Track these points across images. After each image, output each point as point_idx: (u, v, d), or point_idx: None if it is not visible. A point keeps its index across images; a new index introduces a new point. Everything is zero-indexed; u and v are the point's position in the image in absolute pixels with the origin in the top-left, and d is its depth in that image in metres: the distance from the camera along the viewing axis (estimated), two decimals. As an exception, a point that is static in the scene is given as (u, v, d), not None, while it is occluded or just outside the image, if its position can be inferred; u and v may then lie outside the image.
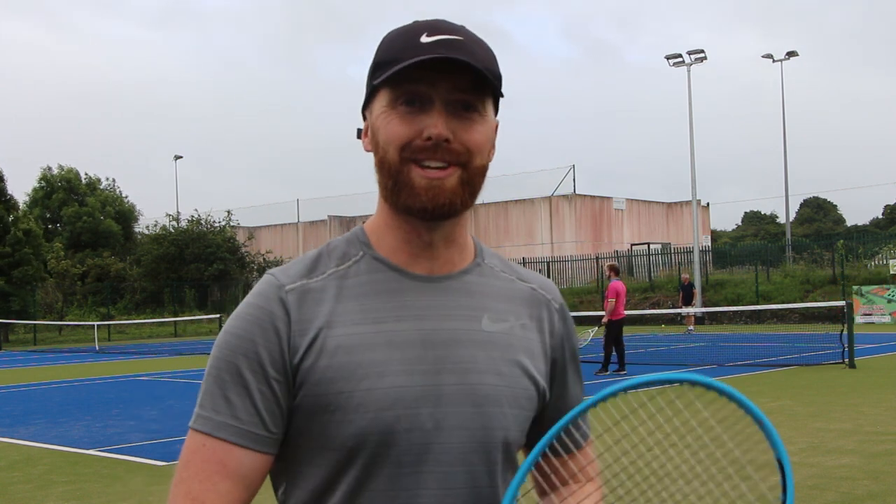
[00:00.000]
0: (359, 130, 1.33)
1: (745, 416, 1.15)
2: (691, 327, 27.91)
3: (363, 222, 1.35)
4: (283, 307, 1.21)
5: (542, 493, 1.38)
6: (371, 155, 1.28)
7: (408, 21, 1.27)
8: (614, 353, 15.23)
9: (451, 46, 1.19)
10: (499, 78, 1.24)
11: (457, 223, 1.28)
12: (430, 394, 1.20)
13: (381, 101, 1.24)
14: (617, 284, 15.53)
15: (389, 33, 1.27)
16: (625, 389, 1.15)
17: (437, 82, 1.19)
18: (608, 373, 14.70)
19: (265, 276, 1.27)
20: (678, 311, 25.64)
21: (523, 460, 1.22)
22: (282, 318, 1.21)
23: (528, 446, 1.33)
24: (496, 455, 1.25)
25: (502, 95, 1.27)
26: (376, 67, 1.24)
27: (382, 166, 1.23)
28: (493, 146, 1.29)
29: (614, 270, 15.95)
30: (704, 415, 1.37)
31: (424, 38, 1.20)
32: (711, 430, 1.31)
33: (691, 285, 28.53)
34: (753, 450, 1.22)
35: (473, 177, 1.23)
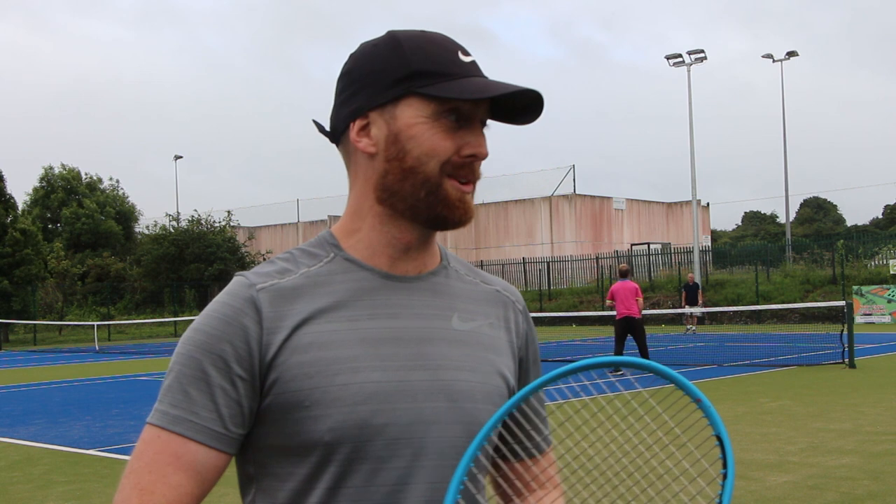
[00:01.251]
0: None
1: (684, 395, 1.19)
2: (693, 327, 27.93)
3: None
4: (253, 306, 1.21)
5: (505, 500, 1.39)
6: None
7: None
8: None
9: (479, 70, 1.27)
10: None
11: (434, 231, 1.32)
12: (406, 389, 1.21)
13: (418, 108, 1.23)
14: (614, 286, 15.59)
15: (411, 39, 1.26)
16: (562, 374, 1.17)
17: (480, 104, 1.25)
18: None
19: (235, 277, 1.27)
20: (681, 311, 25.55)
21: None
22: (252, 316, 1.20)
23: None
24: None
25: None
26: (419, 75, 1.23)
27: (414, 176, 1.24)
28: None
29: (620, 272, 16.06)
30: (644, 395, 1.41)
31: (463, 57, 1.26)
32: (652, 411, 1.36)
33: (696, 286, 28.46)
34: (694, 427, 1.26)
35: (474, 193, 1.30)
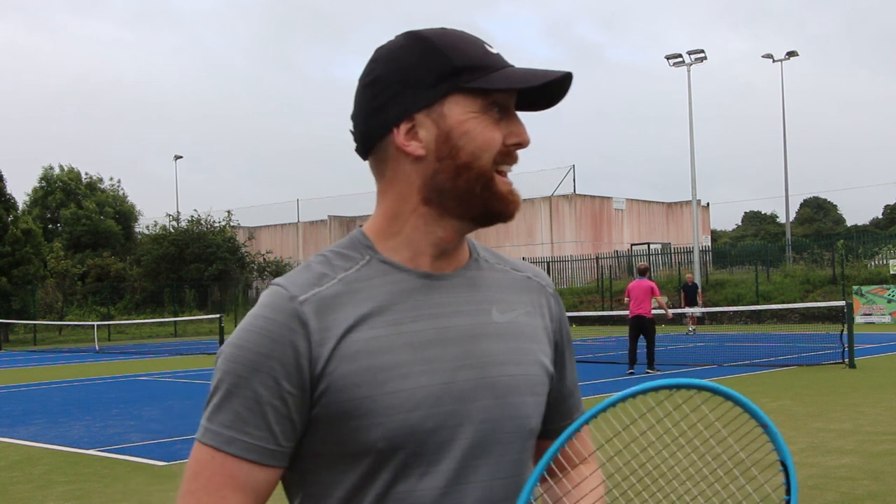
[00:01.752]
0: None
1: (750, 419, 1.18)
2: (693, 327, 27.88)
3: (360, 224, 1.34)
4: (298, 320, 1.19)
5: (544, 477, 1.39)
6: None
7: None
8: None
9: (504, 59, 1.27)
10: None
11: None
12: (454, 390, 1.21)
13: (465, 105, 1.23)
14: (631, 284, 15.53)
15: (444, 38, 1.25)
16: (636, 394, 1.16)
17: (513, 92, 1.26)
18: (635, 373, 14.88)
19: (273, 289, 1.23)
20: (682, 311, 25.41)
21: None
22: (299, 331, 1.18)
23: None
24: (524, 444, 1.28)
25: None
26: (461, 70, 1.23)
27: (468, 172, 1.23)
28: None
29: (639, 271, 15.83)
30: (710, 419, 1.39)
31: (492, 50, 1.27)
32: (717, 434, 1.33)
33: (696, 286, 28.37)
34: (758, 452, 1.25)
35: None
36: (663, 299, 15.55)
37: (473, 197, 1.24)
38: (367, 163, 1.31)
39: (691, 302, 27.20)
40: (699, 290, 28.41)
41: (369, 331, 1.20)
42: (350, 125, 1.31)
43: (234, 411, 1.18)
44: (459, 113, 1.23)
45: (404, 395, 1.18)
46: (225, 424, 1.18)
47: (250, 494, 1.18)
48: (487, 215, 1.26)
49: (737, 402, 1.15)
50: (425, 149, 1.23)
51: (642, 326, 15.05)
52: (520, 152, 1.26)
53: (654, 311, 15.31)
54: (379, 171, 1.29)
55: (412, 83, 1.23)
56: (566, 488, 1.36)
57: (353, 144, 1.31)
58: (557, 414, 1.41)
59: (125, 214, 54.66)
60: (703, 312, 28.76)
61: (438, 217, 1.26)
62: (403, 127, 1.23)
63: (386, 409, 1.18)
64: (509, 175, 1.26)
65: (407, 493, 1.19)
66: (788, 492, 1.15)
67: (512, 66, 1.25)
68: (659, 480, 1.36)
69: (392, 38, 1.30)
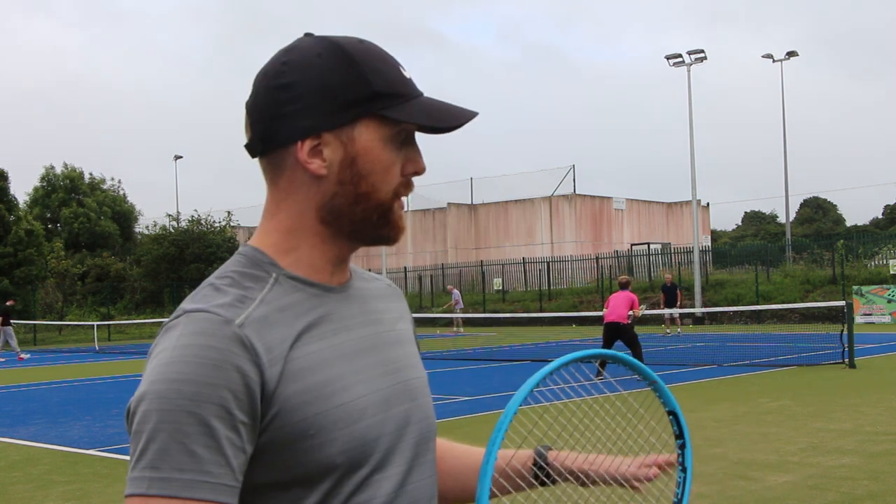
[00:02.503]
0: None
1: (641, 379, 1.35)
2: (677, 330, 27.12)
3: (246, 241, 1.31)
4: (240, 343, 1.11)
5: None
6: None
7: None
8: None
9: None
10: None
11: None
12: (382, 398, 1.23)
13: (375, 131, 1.20)
14: (611, 296, 15.42)
15: (362, 55, 1.21)
16: (545, 376, 1.28)
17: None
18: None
19: (197, 315, 1.13)
20: (661, 311, 24.94)
21: None
22: (241, 355, 1.10)
23: None
24: (434, 443, 1.33)
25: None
26: (378, 96, 1.19)
27: (367, 201, 1.22)
28: None
29: (620, 284, 15.65)
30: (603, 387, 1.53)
31: (404, 73, 1.24)
32: (613, 395, 1.52)
33: (675, 287, 27.91)
34: (652, 406, 1.45)
35: None
36: (640, 312, 15.36)
37: (369, 224, 1.23)
38: (255, 159, 1.26)
39: (671, 303, 26.54)
40: (678, 290, 27.77)
41: (305, 347, 1.17)
42: (244, 112, 1.25)
43: (187, 452, 1.06)
44: (368, 139, 1.20)
45: (349, 406, 1.18)
46: (180, 468, 1.05)
47: None
48: (378, 240, 1.27)
49: (624, 362, 1.32)
50: (327, 169, 1.20)
51: (619, 333, 14.70)
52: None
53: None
54: (272, 176, 1.24)
55: (328, 99, 1.19)
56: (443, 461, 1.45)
57: None
58: None
59: (124, 215, 54.65)
60: (703, 312, 28.67)
61: (334, 237, 1.25)
62: (309, 143, 1.19)
63: (337, 424, 1.16)
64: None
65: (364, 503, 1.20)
66: (681, 436, 1.36)
67: (426, 97, 1.24)
68: (569, 440, 1.54)
69: (301, 38, 1.25)
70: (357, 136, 1.20)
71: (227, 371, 1.09)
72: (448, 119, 1.22)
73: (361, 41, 1.24)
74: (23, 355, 26.19)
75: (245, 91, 1.25)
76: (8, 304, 27.75)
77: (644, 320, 31.18)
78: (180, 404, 1.07)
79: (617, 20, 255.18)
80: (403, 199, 1.27)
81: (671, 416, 1.37)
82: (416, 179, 1.26)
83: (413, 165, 1.24)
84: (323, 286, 1.25)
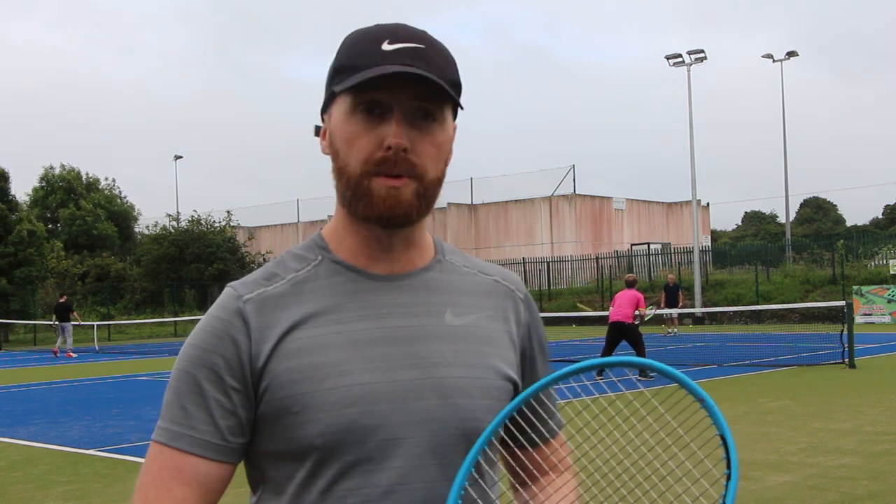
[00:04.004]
0: (317, 128, 1.32)
1: (687, 395, 1.17)
2: (673, 330, 27.15)
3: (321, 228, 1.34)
4: (240, 317, 1.22)
5: (516, 487, 1.39)
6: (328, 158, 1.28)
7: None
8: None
9: (413, 55, 1.19)
10: (458, 87, 1.25)
11: (416, 226, 1.29)
12: (396, 389, 1.21)
13: (341, 106, 1.22)
14: (617, 294, 15.20)
15: (350, 36, 1.25)
16: (568, 374, 1.19)
17: (397, 91, 1.19)
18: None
19: (225, 289, 1.27)
20: (661, 311, 24.85)
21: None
22: (240, 327, 1.22)
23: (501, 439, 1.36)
24: (477, 447, 1.26)
25: (461, 107, 1.27)
26: (336, 72, 1.23)
27: (342, 175, 1.23)
28: (450, 151, 1.29)
29: (627, 282, 15.42)
30: (647, 396, 1.39)
31: (386, 46, 1.19)
32: (654, 411, 1.33)
33: (677, 287, 27.92)
34: (697, 427, 1.24)
35: (428, 189, 1.23)
36: (648, 312, 15.08)
37: (346, 199, 1.24)
38: None
39: (672, 303, 26.53)
40: (679, 290, 27.72)
41: (312, 329, 1.22)
42: None
43: (181, 407, 1.21)
44: (336, 115, 1.24)
45: (341, 391, 1.19)
46: (174, 420, 1.21)
47: (197, 488, 1.20)
48: (365, 218, 1.23)
49: (672, 377, 1.15)
50: (329, 149, 1.26)
51: (623, 333, 14.42)
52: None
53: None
54: None
55: (326, 86, 1.27)
56: (526, 498, 1.35)
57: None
58: None
59: (121, 215, 54.63)
60: (703, 312, 28.65)
61: (352, 218, 1.27)
62: (323, 126, 1.29)
63: (323, 405, 1.19)
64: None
65: (350, 491, 1.20)
66: (729, 465, 1.15)
67: (391, 65, 1.17)
68: (597, 461, 1.36)
69: None
70: (332, 114, 1.25)
71: (224, 340, 1.21)
72: (362, 77, 1.16)
73: (373, 25, 1.25)
74: (71, 353, 26.39)
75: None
76: (62, 300, 27.84)
77: (657, 320, 31.18)
78: (184, 366, 1.23)
79: (617, 20, 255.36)
80: (400, 176, 1.20)
81: (721, 442, 1.17)
82: None
83: (388, 139, 1.18)
84: (362, 271, 1.27)
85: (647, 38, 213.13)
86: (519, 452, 1.37)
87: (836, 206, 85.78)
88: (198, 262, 43.96)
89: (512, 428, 1.29)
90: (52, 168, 54.30)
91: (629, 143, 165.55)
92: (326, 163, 1.28)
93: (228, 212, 47.65)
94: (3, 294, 35.68)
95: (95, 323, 33.08)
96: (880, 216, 77.89)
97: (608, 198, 47.59)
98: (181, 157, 59.65)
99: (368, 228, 1.26)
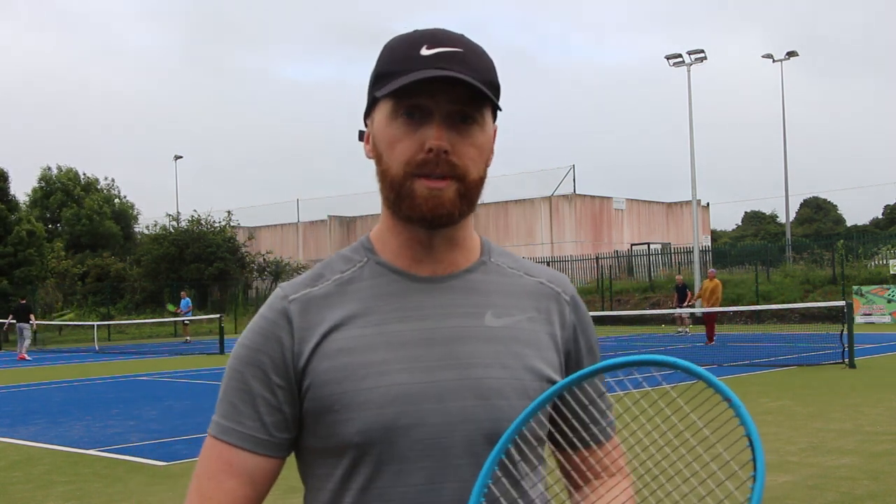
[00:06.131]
0: (361, 133, 1.35)
1: (714, 394, 1.13)
2: (685, 328, 27.68)
3: (361, 222, 1.36)
4: (285, 317, 1.27)
5: (570, 490, 1.39)
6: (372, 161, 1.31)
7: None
8: None
9: (451, 59, 1.22)
10: (497, 88, 1.28)
11: (458, 227, 1.31)
12: (433, 390, 1.22)
13: (382, 111, 1.26)
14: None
15: (389, 42, 1.28)
16: (594, 373, 1.18)
17: (437, 94, 1.21)
18: None
19: (276, 289, 1.33)
20: (676, 310, 25.34)
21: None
22: (284, 327, 1.27)
23: (551, 440, 1.36)
24: (515, 448, 1.25)
25: (500, 108, 1.29)
26: (377, 78, 1.26)
27: (385, 178, 1.26)
28: (491, 152, 1.32)
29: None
30: (672, 395, 1.37)
31: (424, 51, 1.22)
32: (680, 411, 1.30)
33: (685, 286, 28.19)
34: (723, 428, 1.18)
35: (470, 189, 1.26)
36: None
37: (390, 201, 1.28)
38: None
39: (683, 302, 27.03)
40: (687, 290, 28.01)
41: (353, 330, 1.26)
42: None
43: (230, 403, 1.28)
44: (378, 120, 1.27)
45: (380, 391, 1.22)
46: (224, 415, 1.28)
47: (245, 480, 1.26)
48: (408, 218, 1.27)
49: (699, 376, 1.13)
50: (372, 153, 1.30)
51: None
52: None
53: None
54: None
55: (368, 92, 1.31)
56: (578, 499, 1.35)
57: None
58: None
59: (123, 214, 54.63)
60: (702, 312, 28.66)
61: (396, 218, 1.30)
62: (367, 130, 1.33)
63: (362, 405, 1.22)
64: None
65: (387, 489, 1.22)
66: (755, 468, 1.10)
67: (430, 69, 1.20)
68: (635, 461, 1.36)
69: None
70: (374, 119, 1.29)
71: (269, 340, 1.27)
72: (399, 83, 1.19)
73: (416, 31, 1.28)
74: (25, 356, 26.18)
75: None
76: (22, 301, 27.83)
77: (657, 319, 31.25)
78: (234, 363, 1.29)
79: (617, 20, 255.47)
80: (443, 178, 1.22)
81: (749, 444, 1.13)
82: None
83: (428, 142, 1.21)
84: (405, 273, 1.30)
85: (647, 39, 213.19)
86: (572, 453, 1.37)
87: (836, 206, 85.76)
88: (198, 262, 43.96)
89: (564, 427, 1.30)
90: (49, 169, 54.31)
91: (629, 142, 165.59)
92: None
93: (228, 212, 47.69)
94: (3, 294, 35.66)
95: (95, 323, 33.06)
96: (880, 216, 77.88)
97: (608, 198, 47.60)
98: (181, 157, 59.75)
99: (411, 230, 1.29)
